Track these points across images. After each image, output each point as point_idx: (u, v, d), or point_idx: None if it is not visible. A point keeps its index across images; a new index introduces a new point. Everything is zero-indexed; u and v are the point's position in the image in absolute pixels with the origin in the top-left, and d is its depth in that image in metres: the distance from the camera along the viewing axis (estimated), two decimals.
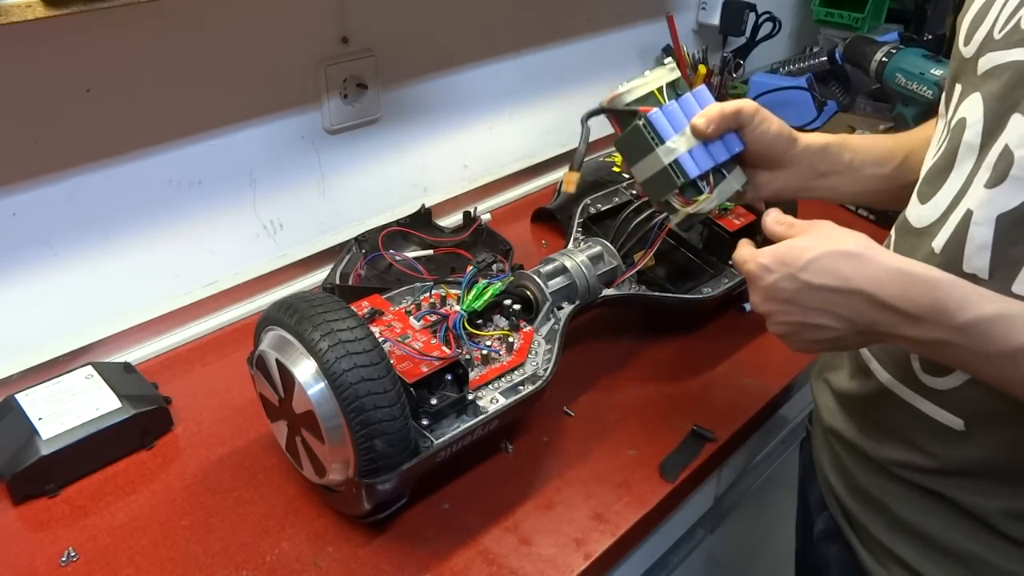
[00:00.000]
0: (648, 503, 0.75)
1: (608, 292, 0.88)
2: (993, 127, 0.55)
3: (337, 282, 1.00)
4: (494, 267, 0.86)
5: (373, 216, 1.15)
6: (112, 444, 0.78)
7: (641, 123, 0.70)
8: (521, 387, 0.75)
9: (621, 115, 0.72)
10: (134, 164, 0.90)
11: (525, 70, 1.29)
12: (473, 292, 0.80)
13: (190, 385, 0.90)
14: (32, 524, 0.73)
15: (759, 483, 1.05)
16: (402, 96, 1.13)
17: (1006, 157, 0.53)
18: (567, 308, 0.84)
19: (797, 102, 1.54)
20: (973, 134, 0.56)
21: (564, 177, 0.77)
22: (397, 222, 1.10)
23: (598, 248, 0.89)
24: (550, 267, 0.86)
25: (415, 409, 0.69)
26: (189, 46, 0.89)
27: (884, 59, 1.31)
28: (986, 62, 0.56)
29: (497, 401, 0.73)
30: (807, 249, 0.56)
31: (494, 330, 0.81)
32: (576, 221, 0.98)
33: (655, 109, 0.70)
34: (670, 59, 0.75)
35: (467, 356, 0.76)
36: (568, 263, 0.86)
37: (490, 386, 0.75)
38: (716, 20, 1.52)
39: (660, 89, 0.72)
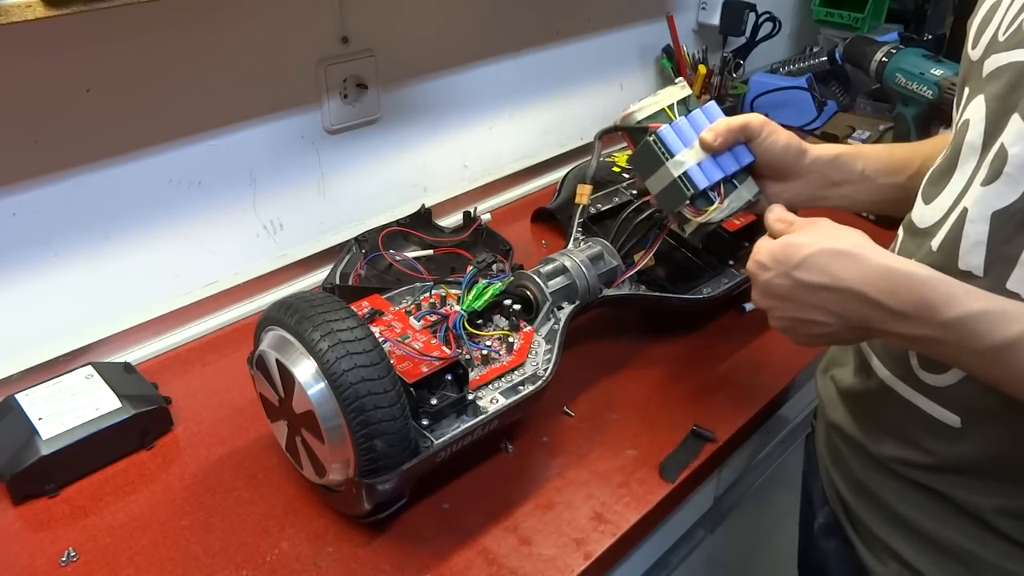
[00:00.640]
0: (648, 503, 0.75)
1: (608, 292, 0.88)
2: (993, 128, 0.55)
3: (337, 282, 1.00)
4: (494, 267, 0.86)
5: (373, 216, 1.15)
6: (112, 444, 0.78)
7: (651, 139, 0.73)
8: (521, 387, 0.75)
9: (633, 132, 0.76)
10: (134, 164, 0.90)
11: (525, 70, 1.29)
12: (473, 292, 0.80)
13: (190, 385, 0.90)
14: (32, 524, 0.73)
15: (759, 483, 1.06)
16: (402, 96, 1.13)
17: (1001, 155, 0.53)
18: (567, 308, 0.84)
19: (797, 102, 1.54)
20: (975, 135, 0.57)
21: (578, 190, 0.81)
22: (397, 222, 1.10)
23: (598, 248, 0.89)
24: (550, 267, 0.86)
25: (415, 409, 0.69)
26: (189, 46, 0.89)
27: (884, 59, 1.30)
28: (990, 64, 0.57)
29: (497, 401, 0.73)
30: (801, 247, 0.58)
31: (494, 330, 0.81)
32: (576, 221, 0.98)
33: (664, 125, 0.74)
34: (681, 78, 0.78)
35: (467, 356, 0.76)
36: (568, 263, 0.86)
37: (490, 386, 0.75)
38: (716, 20, 1.52)
39: (671, 106, 0.75)
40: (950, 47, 1.64)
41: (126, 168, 0.89)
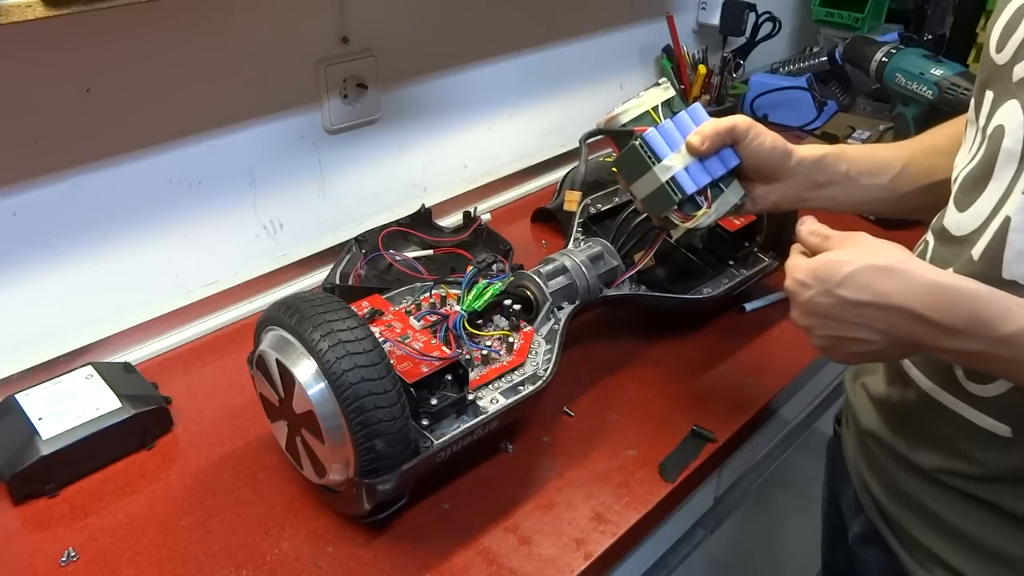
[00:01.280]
0: (648, 503, 0.75)
1: (608, 292, 0.88)
2: None
3: (337, 282, 1.00)
4: (494, 267, 0.86)
5: (373, 216, 1.15)
6: (112, 444, 0.78)
7: (637, 143, 0.72)
8: (521, 387, 0.75)
9: (618, 136, 0.75)
10: (134, 164, 0.90)
11: (525, 70, 1.29)
12: (473, 292, 0.80)
13: (190, 385, 0.90)
14: (32, 524, 0.73)
15: (759, 483, 1.05)
16: (402, 96, 1.13)
17: None
18: (567, 308, 0.84)
19: (797, 102, 1.54)
20: (1013, 141, 0.55)
21: (566, 196, 0.80)
22: (397, 222, 1.10)
23: (598, 248, 0.89)
24: (550, 267, 0.86)
25: (415, 409, 0.69)
26: (189, 46, 0.89)
27: (884, 59, 1.30)
28: (1022, 69, 0.55)
29: (497, 401, 0.73)
30: (843, 264, 0.56)
31: (494, 330, 0.81)
32: (576, 221, 0.98)
33: (650, 129, 0.72)
34: (665, 79, 0.77)
35: (467, 356, 0.76)
36: (568, 263, 0.86)
37: (490, 386, 0.75)
38: (716, 20, 1.52)
39: (655, 108, 0.74)
40: (950, 47, 1.64)
41: (126, 168, 0.89)
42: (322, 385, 0.64)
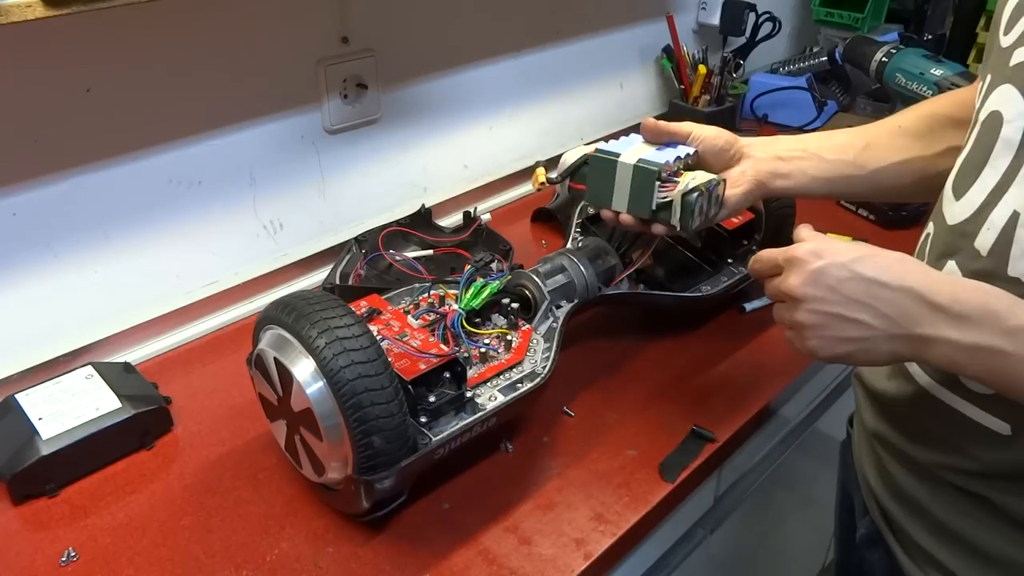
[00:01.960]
0: (648, 503, 0.75)
1: (607, 291, 0.88)
2: None
3: (337, 282, 1.00)
4: (492, 266, 0.86)
5: (373, 216, 1.15)
6: (112, 444, 0.78)
7: (593, 153, 0.76)
8: (520, 385, 0.75)
9: (575, 173, 0.78)
10: (134, 164, 0.90)
11: (525, 70, 1.30)
12: (471, 291, 0.80)
13: (190, 385, 0.90)
14: (32, 524, 0.73)
15: (759, 483, 1.05)
16: (402, 96, 1.13)
17: None
18: (566, 307, 0.84)
19: (797, 102, 1.54)
20: (1012, 130, 0.55)
21: (535, 174, 0.79)
22: (397, 222, 1.10)
23: (596, 247, 0.89)
24: (548, 266, 0.86)
25: (413, 407, 0.69)
26: (189, 46, 0.89)
27: (884, 59, 1.31)
28: (1022, 54, 0.55)
29: (496, 398, 0.73)
30: (862, 246, 0.56)
31: (492, 329, 0.81)
32: (575, 221, 0.98)
33: (597, 145, 0.77)
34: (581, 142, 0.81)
35: (465, 354, 0.76)
36: (566, 262, 0.86)
37: (488, 384, 0.75)
38: (716, 20, 1.52)
39: (588, 153, 0.78)
40: (950, 47, 1.64)
41: (126, 168, 0.89)
42: (320, 383, 0.64)
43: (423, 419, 0.69)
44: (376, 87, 1.08)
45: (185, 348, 0.97)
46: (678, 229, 0.73)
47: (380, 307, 0.78)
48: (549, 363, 0.77)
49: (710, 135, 0.76)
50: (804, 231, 0.61)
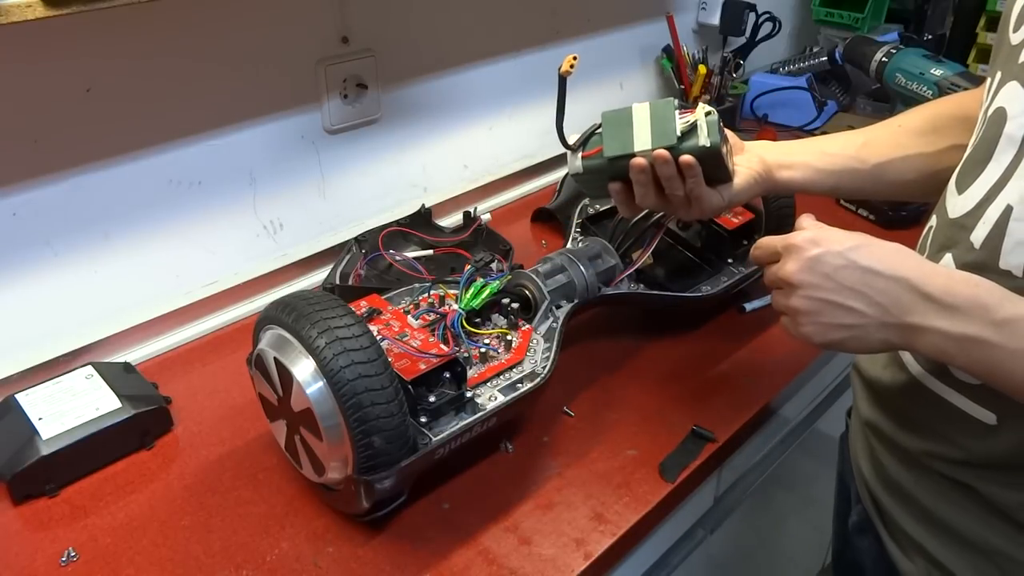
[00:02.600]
0: (648, 503, 0.75)
1: (607, 291, 0.88)
2: None
3: (337, 282, 1.00)
4: (492, 266, 0.86)
5: (373, 216, 1.15)
6: (112, 444, 0.78)
7: (602, 113, 0.75)
8: (520, 384, 0.75)
9: (588, 141, 0.77)
10: (134, 164, 0.90)
11: (525, 70, 1.30)
12: (471, 291, 0.80)
13: (190, 385, 0.90)
14: (32, 524, 0.73)
15: (759, 483, 1.05)
16: (402, 96, 1.13)
17: None
18: (566, 307, 0.84)
19: (797, 102, 1.54)
20: (1016, 126, 0.55)
21: (565, 60, 0.76)
22: (397, 222, 1.10)
23: (596, 247, 0.89)
24: (548, 266, 0.86)
25: (413, 407, 0.69)
26: (189, 46, 0.89)
27: (884, 59, 1.30)
28: None
29: (496, 398, 0.73)
30: (859, 235, 0.57)
31: (492, 328, 0.81)
32: (575, 221, 0.98)
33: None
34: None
35: (465, 354, 0.76)
36: (566, 262, 0.86)
37: (488, 384, 0.75)
38: (716, 20, 1.52)
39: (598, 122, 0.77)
40: (950, 47, 1.64)
41: (126, 168, 0.89)
42: (320, 383, 0.64)
43: (423, 419, 0.69)
44: (376, 87, 1.08)
45: (185, 348, 0.97)
46: (708, 147, 0.69)
47: (380, 307, 0.78)
48: (549, 363, 0.77)
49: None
50: (805, 220, 0.62)
